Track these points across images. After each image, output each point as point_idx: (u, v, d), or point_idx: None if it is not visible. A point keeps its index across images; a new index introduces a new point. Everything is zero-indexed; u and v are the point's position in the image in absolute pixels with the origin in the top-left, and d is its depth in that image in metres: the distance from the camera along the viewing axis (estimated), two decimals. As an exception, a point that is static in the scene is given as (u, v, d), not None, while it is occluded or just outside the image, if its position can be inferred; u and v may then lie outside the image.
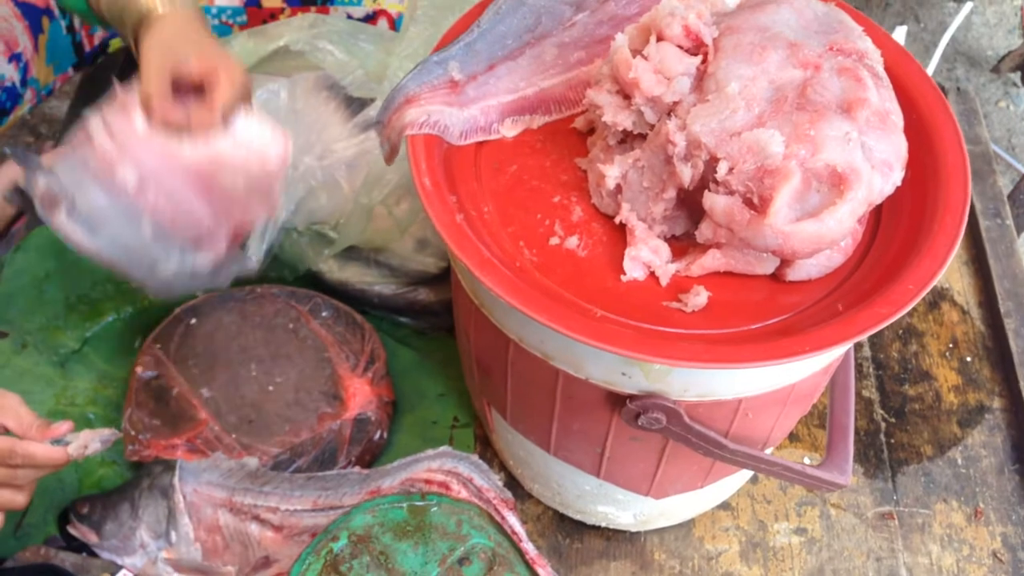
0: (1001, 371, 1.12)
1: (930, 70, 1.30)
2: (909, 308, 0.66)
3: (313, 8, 1.33)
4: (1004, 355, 1.12)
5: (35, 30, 1.21)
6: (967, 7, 1.29)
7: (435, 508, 0.81)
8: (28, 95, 1.35)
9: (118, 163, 0.79)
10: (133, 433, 1.02)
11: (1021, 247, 1.24)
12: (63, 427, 0.81)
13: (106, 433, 0.83)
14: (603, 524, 0.98)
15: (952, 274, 1.20)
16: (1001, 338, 1.14)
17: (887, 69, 0.75)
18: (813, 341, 0.65)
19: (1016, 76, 2.10)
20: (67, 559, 0.96)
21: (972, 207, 1.24)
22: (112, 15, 0.92)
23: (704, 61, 0.72)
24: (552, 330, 0.66)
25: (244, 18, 1.32)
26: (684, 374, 0.70)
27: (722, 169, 0.68)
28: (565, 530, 1.00)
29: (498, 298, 0.67)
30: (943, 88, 1.36)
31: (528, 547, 0.81)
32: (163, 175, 0.81)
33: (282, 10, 1.33)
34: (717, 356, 0.65)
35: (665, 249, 0.74)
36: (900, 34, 1.21)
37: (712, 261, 0.73)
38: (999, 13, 2.12)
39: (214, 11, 1.31)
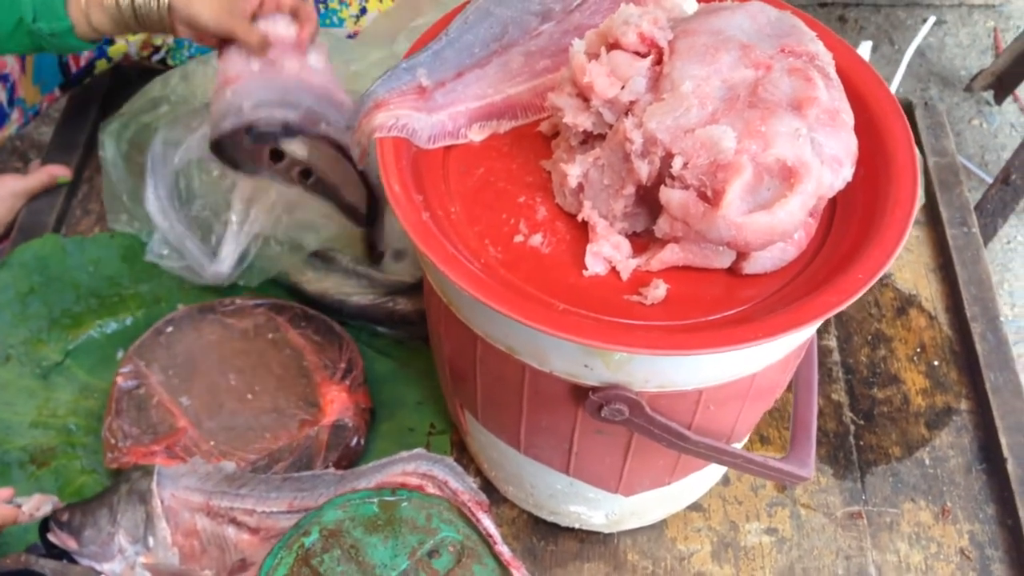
0: (968, 374, 1.14)
1: (895, 83, 1.33)
2: (858, 296, 0.68)
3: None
4: (971, 359, 1.14)
5: (22, 49, 1.24)
6: (930, 22, 1.33)
7: (405, 503, 0.83)
8: (15, 115, 1.37)
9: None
10: (113, 442, 1.03)
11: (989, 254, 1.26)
12: (5, 493, 0.92)
13: (55, 499, 0.94)
14: (576, 525, 0.99)
15: (920, 281, 1.23)
16: (968, 342, 1.16)
17: (842, 74, 0.78)
18: (766, 328, 0.67)
19: (989, 95, 2.14)
20: (47, 565, 0.97)
21: (939, 216, 1.27)
22: (123, 14, 1.04)
23: (659, 62, 0.75)
24: (515, 322, 0.67)
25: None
26: (644, 364, 0.72)
27: (677, 164, 0.70)
28: (539, 533, 1.01)
29: (463, 292, 0.69)
30: (912, 103, 1.39)
31: (503, 549, 0.82)
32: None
33: (264, 32, 1.35)
34: (673, 343, 0.67)
35: (626, 245, 0.76)
36: (865, 49, 1.24)
37: (671, 255, 0.75)
38: (972, 34, 2.16)
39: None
